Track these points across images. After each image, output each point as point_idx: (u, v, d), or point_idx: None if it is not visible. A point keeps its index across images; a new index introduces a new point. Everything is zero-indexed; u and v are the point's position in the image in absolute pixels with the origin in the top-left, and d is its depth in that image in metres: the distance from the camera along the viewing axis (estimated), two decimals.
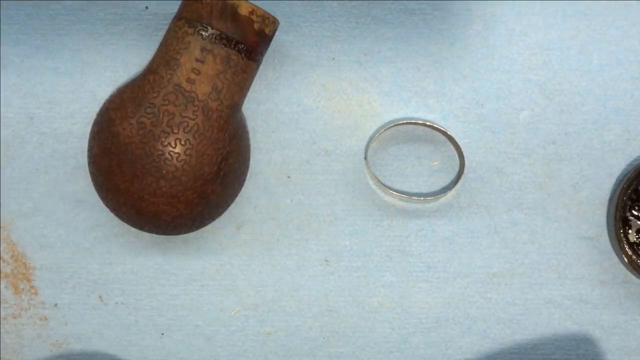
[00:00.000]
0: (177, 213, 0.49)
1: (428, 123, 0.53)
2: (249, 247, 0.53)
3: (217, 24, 0.48)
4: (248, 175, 0.53)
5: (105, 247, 0.53)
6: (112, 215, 0.53)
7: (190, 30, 0.48)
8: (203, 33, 0.48)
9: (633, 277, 0.53)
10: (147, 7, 0.54)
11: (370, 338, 0.53)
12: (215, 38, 0.48)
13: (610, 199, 0.53)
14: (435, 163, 0.54)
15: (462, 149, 0.53)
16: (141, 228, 0.51)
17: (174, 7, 0.53)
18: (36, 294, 0.53)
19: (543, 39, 0.54)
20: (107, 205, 0.51)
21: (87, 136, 0.53)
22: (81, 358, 0.53)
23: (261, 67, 0.53)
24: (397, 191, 0.53)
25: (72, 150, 0.53)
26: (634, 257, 0.52)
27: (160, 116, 0.48)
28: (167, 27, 0.53)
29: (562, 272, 0.53)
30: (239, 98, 0.50)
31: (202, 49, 0.48)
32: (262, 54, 0.50)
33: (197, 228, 0.51)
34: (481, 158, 0.53)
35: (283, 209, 0.53)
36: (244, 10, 0.48)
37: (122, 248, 0.53)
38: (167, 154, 0.48)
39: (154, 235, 0.53)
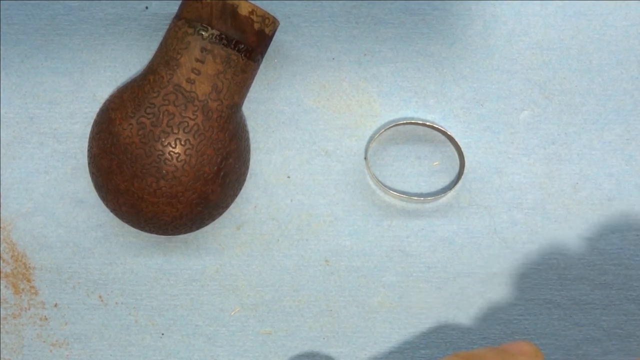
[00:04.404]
0: (177, 213, 0.49)
1: (428, 123, 0.53)
2: (249, 247, 0.53)
3: (217, 24, 0.48)
4: (248, 175, 0.53)
5: (105, 247, 0.53)
6: (112, 215, 0.53)
7: (190, 30, 0.48)
8: (203, 33, 0.48)
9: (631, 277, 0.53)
10: (147, 7, 0.54)
11: (370, 338, 0.53)
12: (215, 38, 0.48)
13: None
14: (435, 163, 0.54)
15: (462, 149, 0.53)
16: (141, 228, 0.51)
17: (174, 7, 0.53)
18: (36, 294, 0.53)
19: (543, 39, 0.54)
20: (107, 205, 0.51)
21: (87, 136, 0.53)
22: (81, 358, 0.53)
23: (261, 67, 0.53)
24: (397, 191, 0.53)
25: (72, 150, 0.53)
26: None
27: (160, 116, 0.48)
28: (167, 27, 0.53)
29: (562, 272, 0.53)
30: (239, 98, 0.50)
31: (202, 49, 0.48)
32: (262, 54, 0.50)
33: (197, 228, 0.51)
34: (481, 158, 0.53)
35: (283, 209, 0.53)
36: (244, 10, 0.48)
37: (122, 248, 0.53)
38: (167, 154, 0.48)
39: (154, 235, 0.53)
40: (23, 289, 0.53)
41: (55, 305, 0.53)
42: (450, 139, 0.53)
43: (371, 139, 0.53)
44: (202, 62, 0.48)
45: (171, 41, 0.49)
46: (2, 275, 0.53)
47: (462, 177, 0.53)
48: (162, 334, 0.53)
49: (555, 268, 0.53)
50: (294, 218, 0.53)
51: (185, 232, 0.51)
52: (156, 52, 0.50)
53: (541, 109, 0.54)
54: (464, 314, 0.53)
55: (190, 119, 0.48)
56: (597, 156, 0.53)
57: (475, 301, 0.53)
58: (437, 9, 0.54)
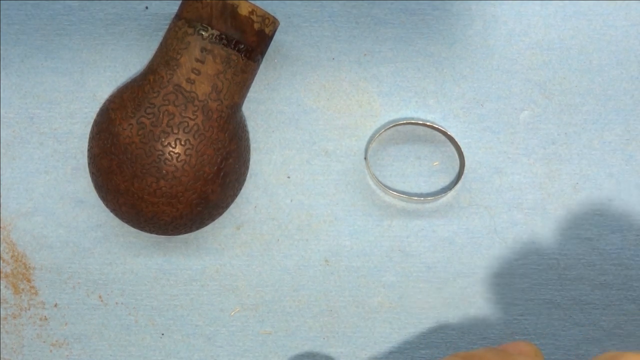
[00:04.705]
0: (177, 213, 0.49)
1: (428, 123, 0.53)
2: (249, 247, 0.53)
3: (217, 24, 0.48)
4: (248, 175, 0.53)
5: (105, 247, 0.53)
6: (112, 215, 0.53)
7: (190, 30, 0.48)
8: (203, 33, 0.48)
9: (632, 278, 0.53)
10: (147, 7, 0.54)
11: (370, 338, 0.53)
12: (215, 38, 0.48)
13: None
14: (435, 163, 0.54)
15: (462, 149, 0.53)
16: (141, 228, 0.51)
17: (174, 7, 0.53)
18: (36, 294, 0.53)
19: (543, 39, 0.54)
20: (107, 205, 0.51)
21: (87, 136, 0.53)
22: (81, 358, 0.53)
23: (261, 67, 0.53)
24: (397, 191, 0.53)
25: (72, 150, 0.53)
26: None
27: (160, 116, 0.48)
28: (167, 27, 0.53)
29: (562, 273, 0.53)
30: (239, 98, 0.50)
31: (202, 49, 0.48)
32: (262, 54, 0.50)
33: (197, 228, 0.51)
34: (481, 158, 0.53)
35: (283, 209, 0.53)
36: (244, 10, 0.48)
37: (122, 248, 0.53)
38: (167, 154, 0.48)
39: (154, 235, 0.53)
40: (23, 289, 0.53)
41: (55, 305, 0.53)
42: (450, 139, 0.53)
43: (371, 139, 0.53)
44: (202, 62, 0.48)
45: (171, 41, 0.49)
46: (2, 275, 0.53)
47: (462, 177, 0.53)
48: (162, 334, 0.53)
49: (555, 268, 0.53)
50: (294, 218, 0.53)
51: (185, 232, 0.51)
52: (156, 52, 0.50)
53: (541, 109, 0.54)
54: (464, 314, 0.53)
55: (190, 119, 0.48)
56: (597, 156, 0.53)
57: (475, 301, 0.53)
58: (437, 9, 0.54)
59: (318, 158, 0.53)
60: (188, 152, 0.48)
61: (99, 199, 0.53)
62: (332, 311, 0.53)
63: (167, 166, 0.48)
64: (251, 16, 0.48)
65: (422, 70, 0.54)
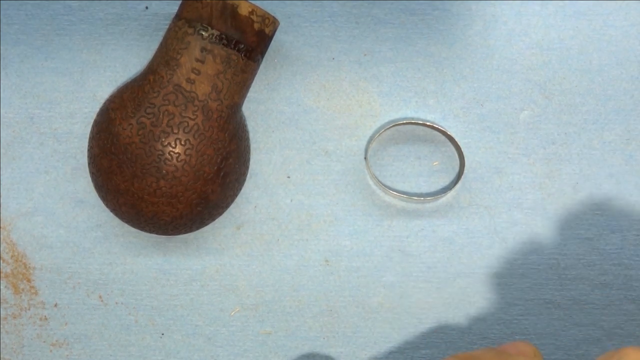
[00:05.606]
0: (177, 213, 0.49)
1: (428, 123, 0.53)
2: (249, 247, 0.53)
3: (217, 24, 0.48)
4: (248, 175, 0.53)
5: (105, 247, 0.53)
6: (112, 215, 0.53)
7: (190, 30, 0.48)
8: (203, 33, 0.48)
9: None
10: (147, 7, 0.54)
11: (370, 338, 0.53)
12: (215, 38, 0.48)
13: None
14: (435, 163, 0.54)
15: (462, 149, 0.53)
16: (141, 228, 0.51)
17: (174, 7, 0.53)
18: (36, 294, 0.53)
19: (543, 39, 0.54)
20: (107, 205, 0.51)
21: (87, 136, 0.53)
22: (81, 358, 0.53)
23: (261, 67, 0.53)
24: (397, 191, 0.53)
25: (72, 150, 0.53)
26: None
27: (160, 116, 0.48)
28: (167, 27, 0.53)
29: (562, 273, 0.53)
30: (239, 98, 0.50)
31: (202, 49, 0.48)
32: (262, 54, 0.50)
33: (197, 228, 0.51)
34: (481, 158, 0.53)
35: (283, 209, 0.53)
36: (244, 10, 0.48)
37: (122, 248, 0.53)
38: (167, 154, 0.48)
39: (154, 235, 0.53)
40: (23, 289, 0.53)
41: (55, 305, 0.53)
42: (450, 139, 0.53)
43: (371, 139, 0.53)
44: (202, 62, 0.48)
45: (171, 41, 0.49)
46: (2, 275, 0.53)
47: (462, 177, 0.53)
48: (162, 334, 0.53)
49: (555, 268, 0.53)
50: (294, 218, 0.53)
51: (185, 232, 0.51)
52: (156, 52, 0.50)
53: (541, 109, 0.54)
54: (464, 314, 0.53)
55: (190, 119, 0.48)
56: (597, 156, 0.53)
57: (475, 301, 0.53)
58: (437, 9, 0.54)
59: (318, 158, 0.53)
60: (188, 152, 0.48)
61: (99, 199, 0.53)
62: (332, 311, 0.53)
63: (167, 166, 0.48)
64: (251, 16, 0.48)
65: (422, 70, 0.54)
